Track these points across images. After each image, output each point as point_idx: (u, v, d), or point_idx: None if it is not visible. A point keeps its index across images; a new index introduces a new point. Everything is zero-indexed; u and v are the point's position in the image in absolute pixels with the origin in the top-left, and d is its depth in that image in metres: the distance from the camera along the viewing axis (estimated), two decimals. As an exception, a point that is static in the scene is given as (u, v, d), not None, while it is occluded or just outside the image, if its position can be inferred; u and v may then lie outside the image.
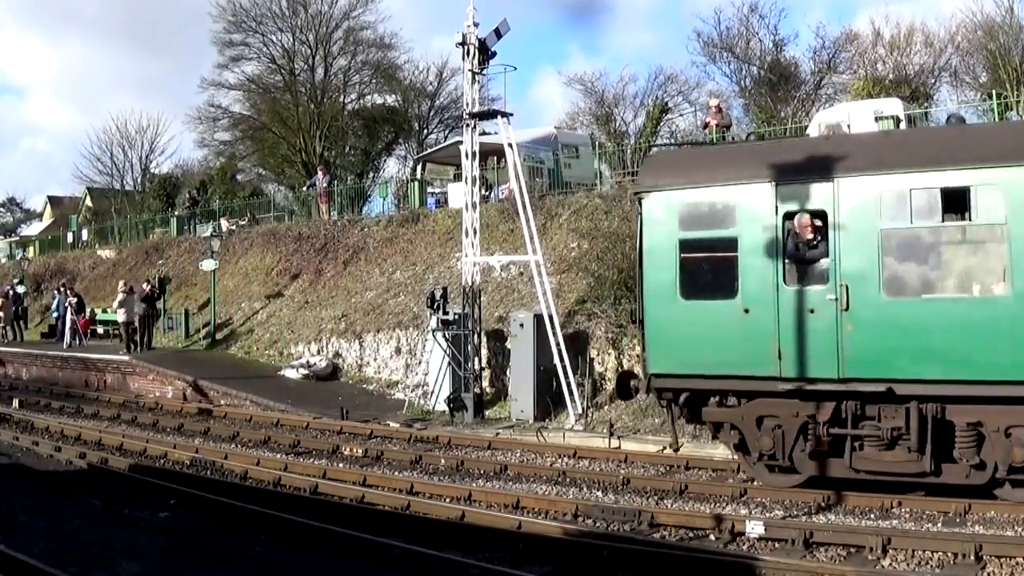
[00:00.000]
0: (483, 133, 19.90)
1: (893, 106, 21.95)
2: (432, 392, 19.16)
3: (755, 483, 11.67)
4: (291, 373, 22.96)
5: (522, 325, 17.90)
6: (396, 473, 13.62)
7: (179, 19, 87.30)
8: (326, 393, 21.16)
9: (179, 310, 29.53)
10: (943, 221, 10.22)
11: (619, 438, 15.14)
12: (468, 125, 18.94)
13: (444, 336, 18.76)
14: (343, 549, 9.35)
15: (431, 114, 45.74)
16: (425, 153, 34.03)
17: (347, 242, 27.42)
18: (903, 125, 20.64)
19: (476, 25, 18.25)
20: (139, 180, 54.69)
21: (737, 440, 11.47)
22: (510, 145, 18.48)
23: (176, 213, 39.95)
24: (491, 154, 24.22)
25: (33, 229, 61.91)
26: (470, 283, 18.77)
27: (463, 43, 18.30)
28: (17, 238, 57.02)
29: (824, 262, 10.73)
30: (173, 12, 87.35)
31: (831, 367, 10.53)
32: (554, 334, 17.36)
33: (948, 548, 8.78)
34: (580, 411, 16.91)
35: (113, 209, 47.50)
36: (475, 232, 18.85)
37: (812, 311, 10.63)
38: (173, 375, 23.44)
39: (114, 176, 55.50)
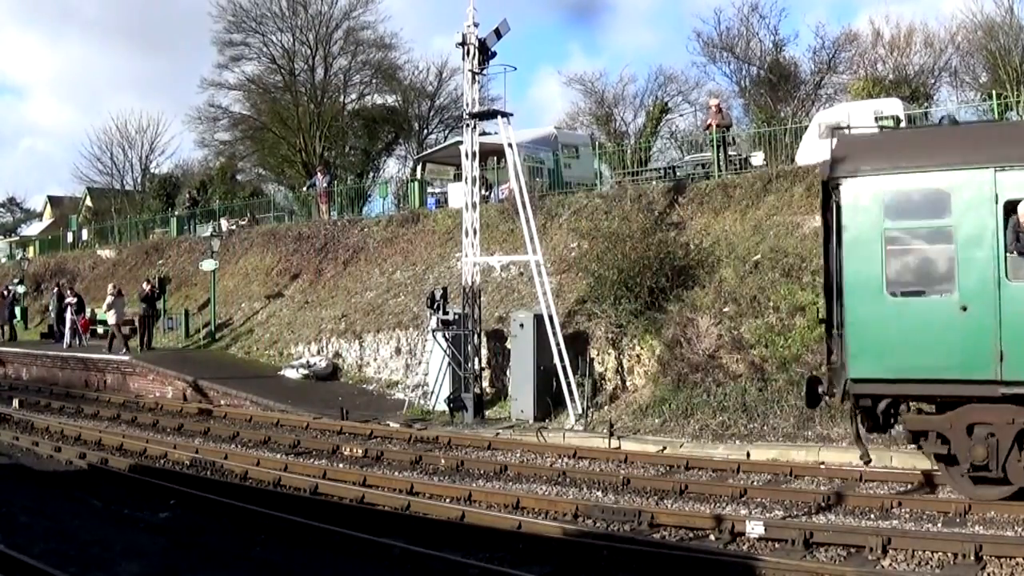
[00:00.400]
0: (483, 133, 19.91)
1: (893, 106, 22.00)
2: (432, 392, 19.16)
3: (755, 483, 11.56)
4: (291, 373, 22.96)
5: (522, 325, 17.90)
6: (396, 473, 13.62)
7: (179, 19, 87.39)
8: (326, 393, 21.16)
9: (179, 310, 29.52)
10: None
11: (619, 438, 15.13)
12: (468, 125, 18.95)
13: (444, 336, 18.77)
14: (343, 549, 9.34)
15: (431, 114, 45.81)
16: (425, 153, 34.03)
17: (347, 242, 27.42)
18: (903, 125, 20.69)
19: (476, 25, 18.27)
20: (139, 180, 54.75)
21: (944, 451, 10.38)
22: (510, 145, 18.49)
23: (176, 213, 39.97)
24: (491, 154, 24.23)
25: (33, 229, 61.94)
26: (470, 283, 18.77)
27: (463, 43, 18.31)
28: (17, 238, 57.07)
29: None
30: (173, 12, 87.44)
31: None
32: (554, 334, 17.37)
33: (948, 548, 8.77)
34: (580, 411, 16.91)
35: (113, 209, 47.56)
36: (475, 232, 18.85)
37: None
38: (173, 375, 23.44)
39: (114, 176, 55.59)
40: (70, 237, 44.80)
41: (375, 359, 22.64)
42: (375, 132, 44.48)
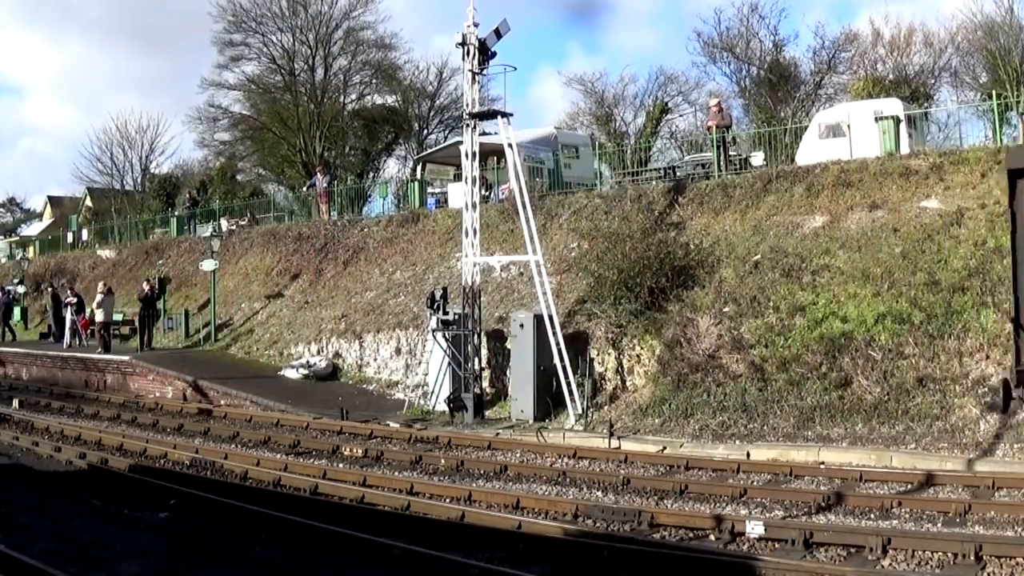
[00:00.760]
0: (483, 133, 19.90)
1: (893, 106, 21.99)
2: (432, 392, 19.16)
3: (755, 483, 11.58)
4: (291, 373, 22.97)
5: (522, 325, 17.90)
6: (396, 473, 13.62)
7: (179, 19, 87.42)
8: (326, 393, 21.16)
9: (179, 310, 29.54)
10: None
11: (619, 438, 15.14)
12: (468, 125, 18.95)
13: (444, 336, 18.77)
14: (343, 549, 9.34)
15: (431, 114, 45.84)
16: (425, 153, 34.04)
17: (347, 242, 27.43)
18: (903, 125, 20.69)
19: (476, 25, 18.27)
20: (139, 180, 54.78)
21: None
22: (510, 145, 18.49)
23: (176, 213, 39.99)
24: (491, 154, 24.24)
25: (33, 229, 61.96)
26: (470, 283, 18.77)
27: (463, 43, 18.31)
28: (17, 238, 57.07)
29: None
30: (173, 12, 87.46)
31: None
32: (554, 334, 17.37)
33: (948, 548, 8.76)
34: (580, 411, 16.91)
35: (113, 209, 47.57)
36: (475, 232, 18.85)
37: None
38: (173, 375, 23.45)
39: (114, 176, 55.63)
40: (70, 237, 44.83)
41: (375, 359, 22.64)
42: (375, 132, 44.50)
